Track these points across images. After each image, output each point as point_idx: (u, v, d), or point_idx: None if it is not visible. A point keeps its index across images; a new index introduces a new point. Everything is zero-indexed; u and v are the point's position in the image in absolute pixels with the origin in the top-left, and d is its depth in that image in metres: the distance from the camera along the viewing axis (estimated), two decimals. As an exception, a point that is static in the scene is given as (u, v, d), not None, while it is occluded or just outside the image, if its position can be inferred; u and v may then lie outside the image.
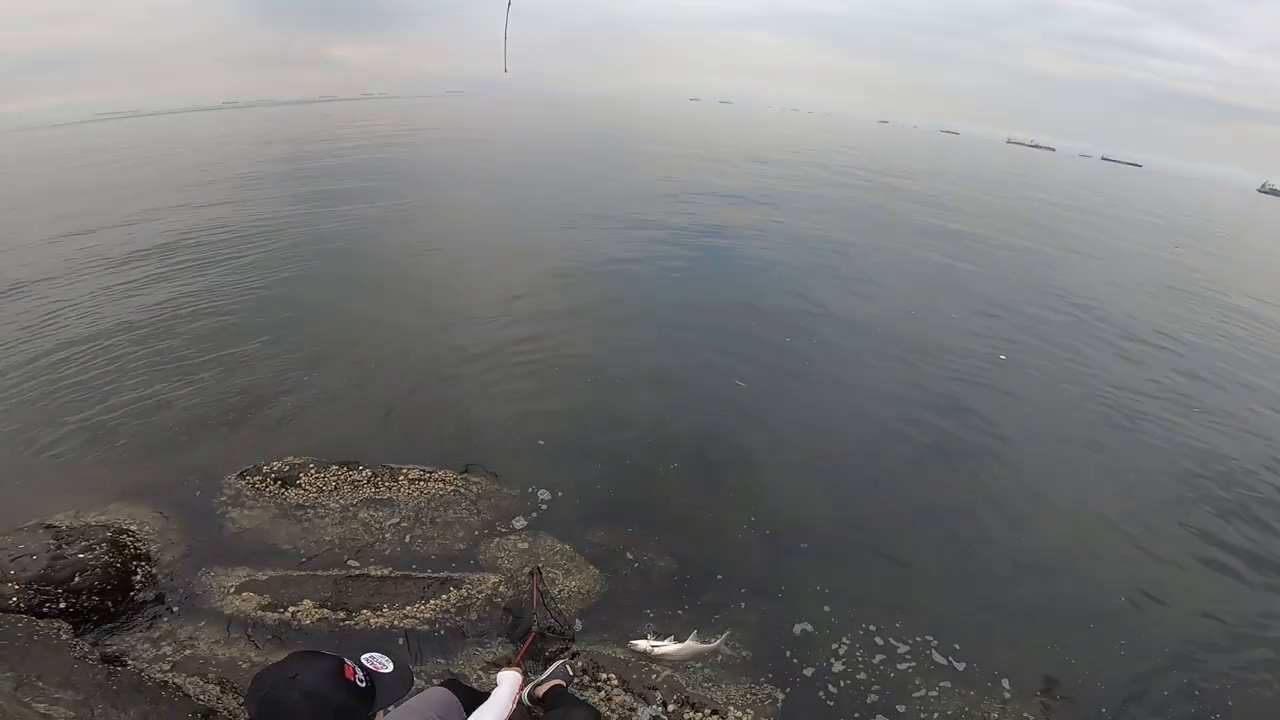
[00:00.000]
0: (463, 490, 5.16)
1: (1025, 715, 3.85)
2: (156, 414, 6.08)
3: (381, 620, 3.93)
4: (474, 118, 58.00)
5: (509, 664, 2.90)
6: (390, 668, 1.67)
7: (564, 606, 4.15)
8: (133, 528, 4.27)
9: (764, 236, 14.92)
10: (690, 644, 3.58)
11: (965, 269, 14.56)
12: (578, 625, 4.08)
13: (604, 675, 3.69)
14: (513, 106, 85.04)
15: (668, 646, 3.60)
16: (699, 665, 3.89)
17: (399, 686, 1.70)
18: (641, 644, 3.62)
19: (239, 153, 30.55)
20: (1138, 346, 10.54)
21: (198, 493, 4.90)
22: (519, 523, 4.94)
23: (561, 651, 3.79)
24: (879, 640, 4.20)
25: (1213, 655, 4.41)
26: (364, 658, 1.68)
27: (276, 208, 15.99)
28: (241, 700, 3.19)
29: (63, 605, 3.46)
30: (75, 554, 3.66)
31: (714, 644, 3.72)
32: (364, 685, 1.60)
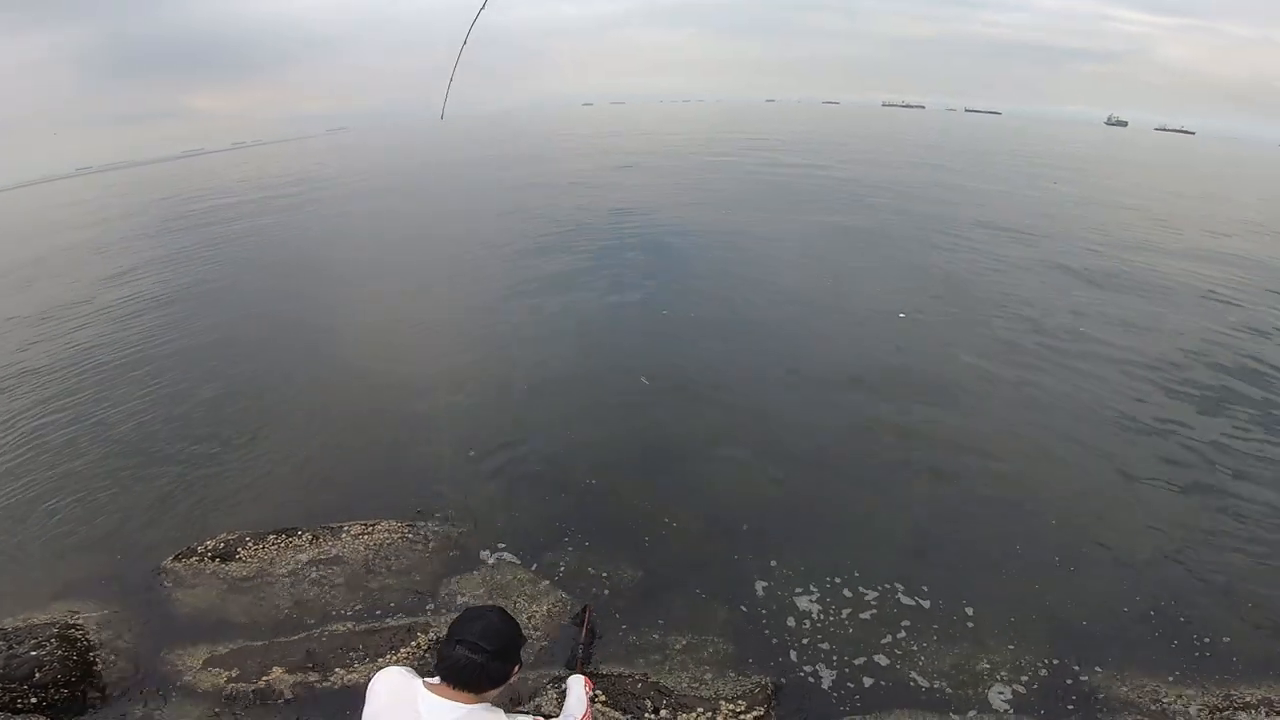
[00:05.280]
0: (410, 535, 5.61)
1: (990, 640, 4.53)
2: (77, 509, 6.38)
3: (356, 676, 4.16)
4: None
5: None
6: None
7: (540, 634, 4.49)
8: (79, 621, 4.68)
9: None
10: None
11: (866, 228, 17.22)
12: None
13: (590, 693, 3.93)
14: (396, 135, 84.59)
15: None
16: (684, 667, 4.40)
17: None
18: None
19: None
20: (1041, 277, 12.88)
21: (135, 581, 5.26)
22: (475, 557, 5.44)
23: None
24: (847, 593, 4.94)
25: (1155, 565, 5.25)
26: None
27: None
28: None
29: (34, 700, 3.85)
30: (27, 652, 4.11)
31: None
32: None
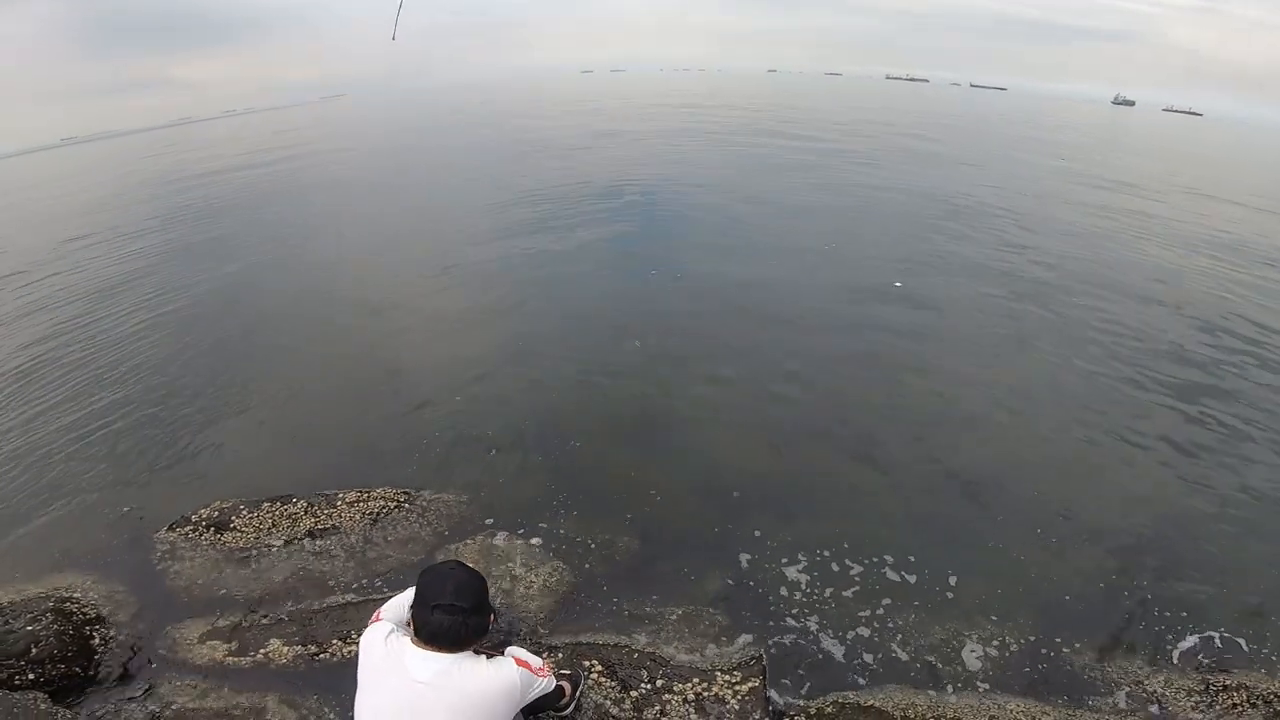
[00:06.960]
0: (406, 504, 5.63)
1: (977, 616, 4.60)
2: (68, 478, 6.36)
3: (355, 648, 4.12)
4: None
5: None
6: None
7: (537, 604, 4.63)
8: (75, 594, 4.66)
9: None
10: None
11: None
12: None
13: (587, 663, 4.07)
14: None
15: None
16: (680, 638, 4.46)
17: None
18: None
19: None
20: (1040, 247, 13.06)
21: (130, 552, 5.27)
22: (470, 525, 5.46)
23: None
24: (835, 566, 5.01)
25: (1142, 545, 5.28)
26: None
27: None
28: None
29: (31, 677, 3.85)
30: (24, 627, 4.13)
31: None
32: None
